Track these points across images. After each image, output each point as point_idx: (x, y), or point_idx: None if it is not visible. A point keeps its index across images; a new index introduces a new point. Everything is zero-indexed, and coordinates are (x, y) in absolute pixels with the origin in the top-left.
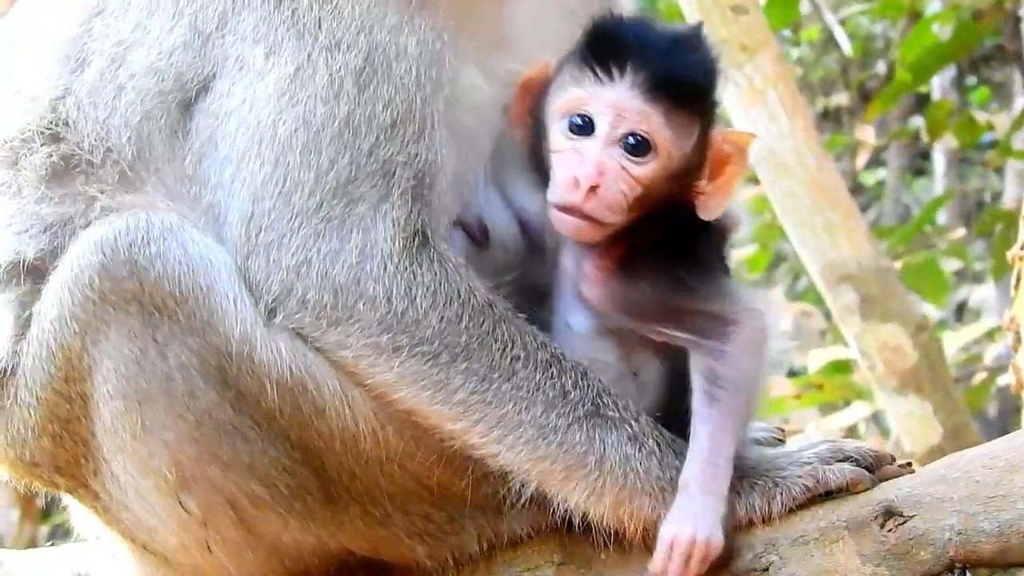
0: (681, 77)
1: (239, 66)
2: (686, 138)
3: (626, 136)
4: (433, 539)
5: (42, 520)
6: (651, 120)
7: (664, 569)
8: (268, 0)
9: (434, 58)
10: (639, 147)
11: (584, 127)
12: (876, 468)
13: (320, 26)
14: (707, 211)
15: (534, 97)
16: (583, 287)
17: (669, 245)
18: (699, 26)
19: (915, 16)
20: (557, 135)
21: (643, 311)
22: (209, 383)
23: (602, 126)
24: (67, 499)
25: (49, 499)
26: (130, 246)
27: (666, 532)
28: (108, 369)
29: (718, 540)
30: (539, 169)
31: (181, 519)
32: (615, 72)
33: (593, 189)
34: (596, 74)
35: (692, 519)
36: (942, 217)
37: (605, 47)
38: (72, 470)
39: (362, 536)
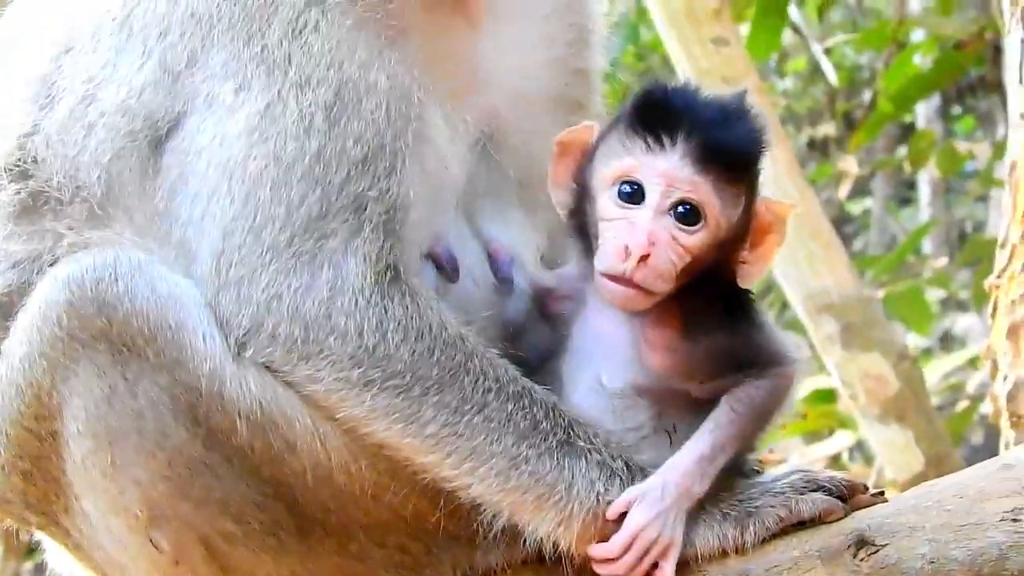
0: (731, 147)
1: (209, 103)
2: (734, 207)
3: (677, 205)
4: (409, 571)
5: (26, 556)
6: (702, 190)
7: (619, 555)
8: (237, 37)
9: (404, 93)
10: (689, 216)
11: (634, 195)
12: (849, 497)
13: (290, 62)
14: (746, 279)
15: (577, 161)
16: (642, 354)
17: (719, 304)
18: (744, 93)
19: (900, 46)
20: (606, 202)
21: (706, 371)
22: (179, 420)
23: (653, 195)
24: (40, 536)
25: (34, 535)
26: (98, 283)
27: (634, 521)
28: (77, 407)
29: (678, 544)
30: (581, 233)
31: (152, 557)
32: (666, 141)
33: (644, 258)
34: (647, 143)
35: (662, 519)
36: (927, 246)
37: (656, 115)
38: (43, 507)
39: (338, 569)
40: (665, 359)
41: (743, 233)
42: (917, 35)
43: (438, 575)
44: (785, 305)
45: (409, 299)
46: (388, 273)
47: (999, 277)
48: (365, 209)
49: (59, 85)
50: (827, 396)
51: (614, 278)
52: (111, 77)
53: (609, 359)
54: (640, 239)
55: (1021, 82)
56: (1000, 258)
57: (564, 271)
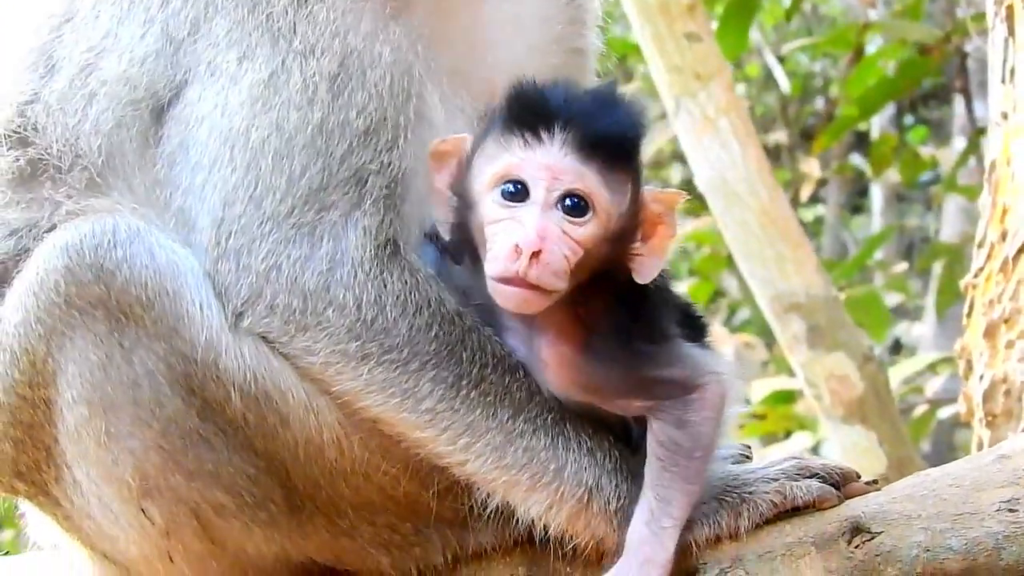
0: (613, 134)
1: (211, 71)
2: (621, 195)
3: (563, 198)
4: (398, 550)
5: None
6: (587, 179)
7: None
8: (241, 5)
9: (407, 67)
10: (577, 208)
11: (517, 193)
12: (842, 485)
13: (295, 31)
14: (643, 274)
15: (453, 173)
16: (542, 373)
17: (620, 318)
18: (614, 82)
19: (858, 52)
20: (490, 205)
21: (607, 389)
22: (175, 390)
23: (538, 190)
24: (25, 506)
25: (5, 508)
26: (96, 250)
27: None
28: (73, 374)
29: None
30: (467, 247)
31: (143, 528)
32: (544, 134)
33: (536, 255)
34: (525, 138)
35: None
36: (879, 253)
37: (530, 110)
38: (33, 476)
39: (327, 546)
40: (564, 376)
41: (633, 225)
42: (875, 42)
43: (427, 555)
44: (734, 310)
45: (408, 274)
46: (388, 247)
47: (976, 276)
48: (366, 182)
49: (59, 54)
50: (787, 397)
51: (507, 280)
52: (112, 46)
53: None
54: (530, 235)
55: (1003, 81)
56: (978, 258)
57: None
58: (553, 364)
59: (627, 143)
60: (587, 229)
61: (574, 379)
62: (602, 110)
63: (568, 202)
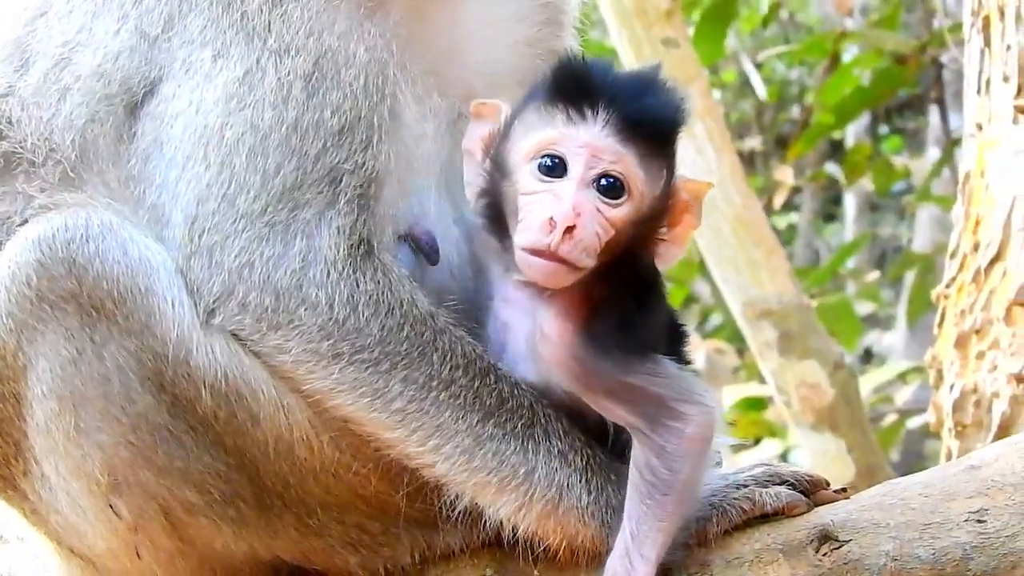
0: (654, 118)
1: (186, 68)
2: (657, 180)
3: (600, 177)
4: (367, 549)
5: None
6: (626, 161)
7: None
8: (216, 3)
9: (382, 67)
10: (613, 189)
11: (556, 168)
12: (812, 492)
13: (270, 30)
14: (665, 260)
15: (488, 138)
16: (539, 344)
17: (627, 308)
18: (659, 66)
19: (834, 60)
20: (527, 177)
21: (593, 381)
22: (145, 386)
23: (576, 167)
24: None
25: None
26: (68, 244)
27: None
28: (43, 369)
29: None
30: (493, 215)
31: (111, 523)
32: (588, 112)
33: (569, 231)
34: (568, 114)
35: None
36: (852, 262)
37: (575, 87)
38: (1, 470)
39: (295, 545)
40: (560, 354)
41: (663, 210)
42: (851, 51)
43: (396, 555)
44: (707, 316)
45: (381, 274)
46: (361, 247)
47: (948, 287)
48: (340, 181)
49: (33, 48)
50: (757, 404)
51: (537, 252)
52: (86, 41)
53: (513, 353)
54: (566, 210)
55: (978, 93)
56: (950, 268)
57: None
58: (553, 337)
59: (667, 128)
60: (621, 210)
61: (568, 359)
62: (645, 93)
63: (604, 182)
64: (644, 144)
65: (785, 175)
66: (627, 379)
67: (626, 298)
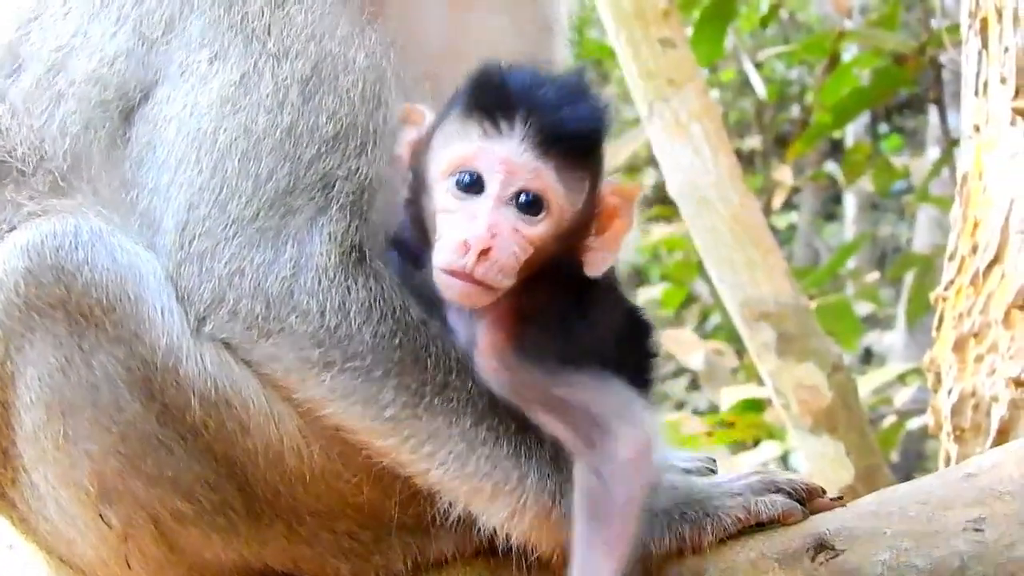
0: (573, 130)
1: (182, 71)
2: (578, 193)
3: (518, 194)
4: (358, 558)
5: None
6: (544, 177)
7: None
8: (218, 4)
9: (380, 74)
10: (532, 205)
11: (472, 185)
12: (808, 500)
13: (269, 32)
14: (593, 267)
15: (413, 145)
16: (475, 354)
17: (557, 318)
18: (583, 70)
19: (833, 60)
20: (443, 194)
21: (526, 392)
22: (135, 395)
23: (493, 184)
24: None
25: None
26: (57, 251)
27: None
28: (32, 377)
29: None
30: (418, 225)
31: (101, 532)
32: (504, 126)
33: (485, 252)
34: (484, 128)
35: None
36: (851, 262)
37: (492, 98)
38: None
39: (286, 553)
40: (492, 366)
41: (588, 220)
42: (851, 51)
43: (388, 563)
44: (706, 316)
45: (373, 281)
46: (353, 254)
47: (946, 289)
48: (333, 187)
49: (26, 53)
50: (756, 406)
51: (453, 273)
52: (82, 45)
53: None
54: (480, 232)
55: (976, 94)
56: (948, 270)
57: None
58: (485, 350)
59: (588, 140)
60: (540, 227)
61: (500, 368)
62: (566, 103)
63: (523, 198)
64: (564, 157)
65: (784, 175)
66: (557, 391)
67: (555, 308)
